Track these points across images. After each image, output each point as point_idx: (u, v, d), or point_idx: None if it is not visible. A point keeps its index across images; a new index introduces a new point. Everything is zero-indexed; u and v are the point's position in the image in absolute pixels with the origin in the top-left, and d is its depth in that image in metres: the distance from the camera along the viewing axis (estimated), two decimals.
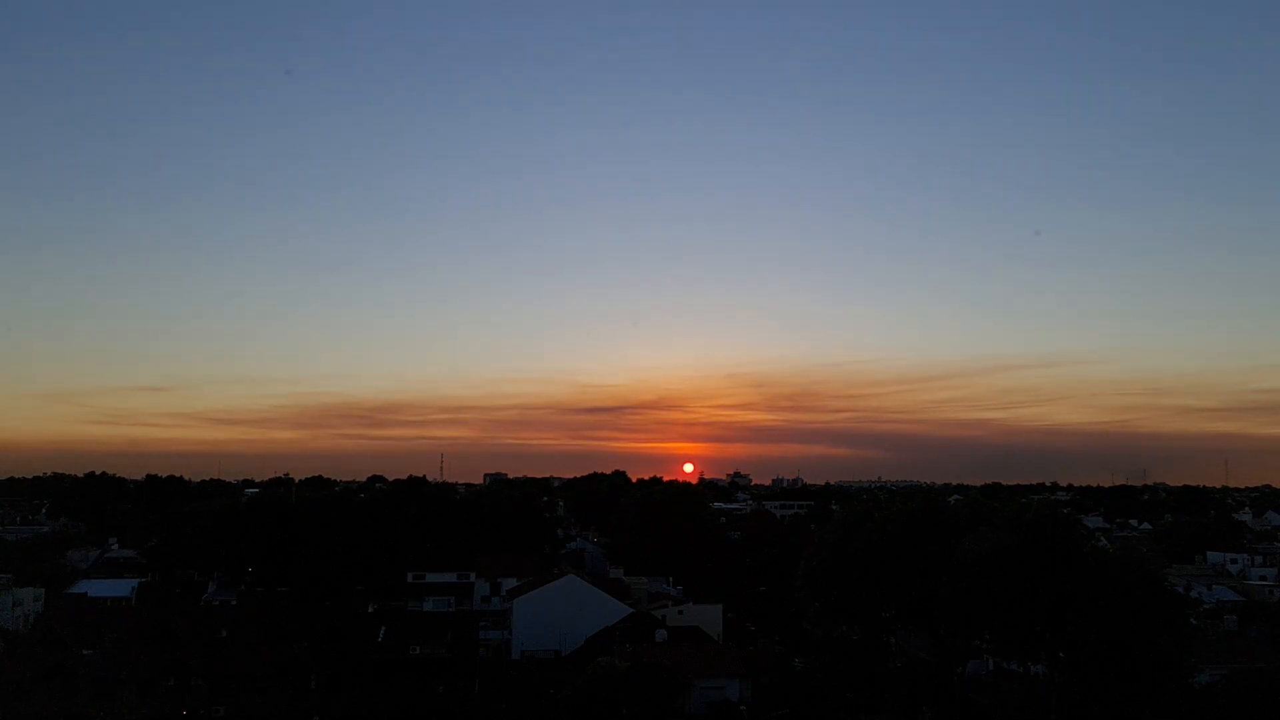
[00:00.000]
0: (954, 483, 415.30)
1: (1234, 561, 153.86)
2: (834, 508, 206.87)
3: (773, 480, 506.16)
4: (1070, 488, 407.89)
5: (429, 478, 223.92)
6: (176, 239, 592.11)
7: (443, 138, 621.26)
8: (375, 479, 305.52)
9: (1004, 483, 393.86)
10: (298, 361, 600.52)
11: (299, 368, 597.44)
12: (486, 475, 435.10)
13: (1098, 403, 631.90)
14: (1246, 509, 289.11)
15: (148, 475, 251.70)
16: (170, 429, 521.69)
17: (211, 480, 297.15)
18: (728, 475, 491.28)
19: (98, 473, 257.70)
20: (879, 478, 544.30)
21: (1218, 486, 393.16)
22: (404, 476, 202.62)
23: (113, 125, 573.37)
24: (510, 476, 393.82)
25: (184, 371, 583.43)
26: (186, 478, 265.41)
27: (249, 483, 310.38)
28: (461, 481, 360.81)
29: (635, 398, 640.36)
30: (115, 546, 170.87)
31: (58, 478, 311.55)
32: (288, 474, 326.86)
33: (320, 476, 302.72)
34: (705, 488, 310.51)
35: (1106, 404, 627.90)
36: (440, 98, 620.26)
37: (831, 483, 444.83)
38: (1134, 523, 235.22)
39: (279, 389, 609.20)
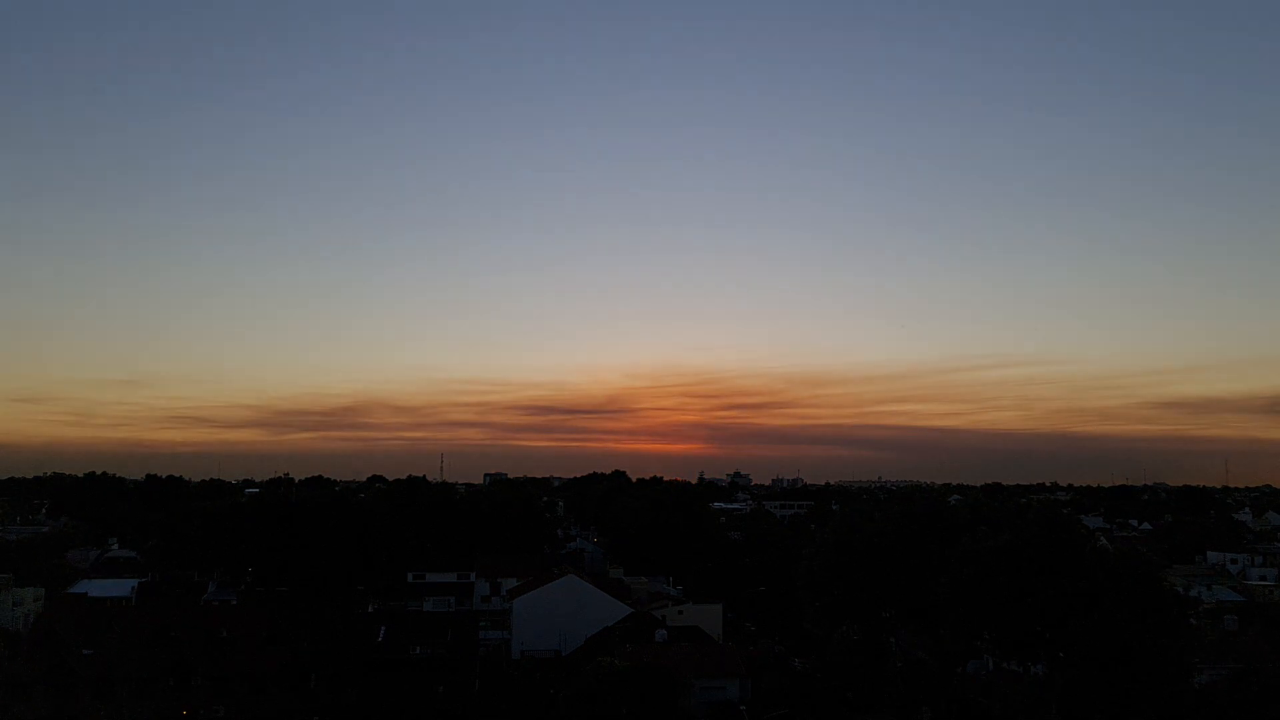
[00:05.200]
0: (954, 483, 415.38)
1: (1234, 561, 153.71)
2: (834, 508, 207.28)
3: (773, 480, 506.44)
4: (1070, 488, 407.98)
5: (429, 478, 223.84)
6: (168, 237, 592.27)
7: (446, 137, 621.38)
8: (375, 479, 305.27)
9: (1004, 483, 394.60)
10: (298, 362, 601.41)
11: (299, 368, 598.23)
12: (486, 475, 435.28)
13: (1097, 402, 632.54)
14: (1246, 509, 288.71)
15: (148, 475, 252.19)
16: (168, 430, 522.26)
17: (211, 480, 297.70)
18: (728, 475, 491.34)
19: (98, 473, 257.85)
20: (879, 478, 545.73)
21: (1218, 486, 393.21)
22: (404, 476, 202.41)
23: (109, 125, 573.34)
24: (510, 477, 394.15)
25: (184, 372, 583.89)
26: (186, 478, 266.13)
27: (249, 483, 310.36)
28: (461, 481, 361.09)
29: (635, 397, 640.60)
30: (115, 546, 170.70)
31: (58, 478, 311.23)
32: (288, 474, 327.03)
33: (320, 476, 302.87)
34: (705, 488, 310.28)
35: (1106, 404, 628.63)
36: (428, 98, 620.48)
37: (831, 483, 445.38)
38: (1134, 523, 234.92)
39: (279, 390, 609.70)
